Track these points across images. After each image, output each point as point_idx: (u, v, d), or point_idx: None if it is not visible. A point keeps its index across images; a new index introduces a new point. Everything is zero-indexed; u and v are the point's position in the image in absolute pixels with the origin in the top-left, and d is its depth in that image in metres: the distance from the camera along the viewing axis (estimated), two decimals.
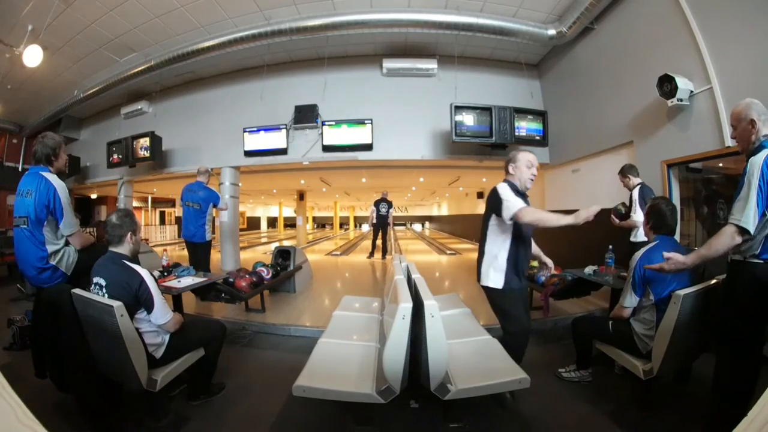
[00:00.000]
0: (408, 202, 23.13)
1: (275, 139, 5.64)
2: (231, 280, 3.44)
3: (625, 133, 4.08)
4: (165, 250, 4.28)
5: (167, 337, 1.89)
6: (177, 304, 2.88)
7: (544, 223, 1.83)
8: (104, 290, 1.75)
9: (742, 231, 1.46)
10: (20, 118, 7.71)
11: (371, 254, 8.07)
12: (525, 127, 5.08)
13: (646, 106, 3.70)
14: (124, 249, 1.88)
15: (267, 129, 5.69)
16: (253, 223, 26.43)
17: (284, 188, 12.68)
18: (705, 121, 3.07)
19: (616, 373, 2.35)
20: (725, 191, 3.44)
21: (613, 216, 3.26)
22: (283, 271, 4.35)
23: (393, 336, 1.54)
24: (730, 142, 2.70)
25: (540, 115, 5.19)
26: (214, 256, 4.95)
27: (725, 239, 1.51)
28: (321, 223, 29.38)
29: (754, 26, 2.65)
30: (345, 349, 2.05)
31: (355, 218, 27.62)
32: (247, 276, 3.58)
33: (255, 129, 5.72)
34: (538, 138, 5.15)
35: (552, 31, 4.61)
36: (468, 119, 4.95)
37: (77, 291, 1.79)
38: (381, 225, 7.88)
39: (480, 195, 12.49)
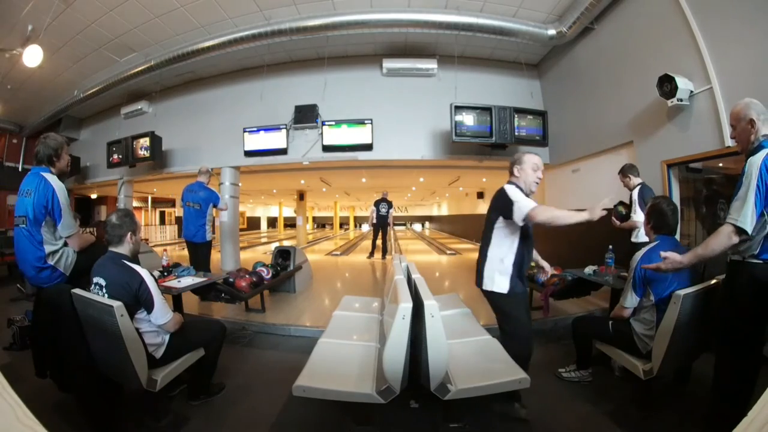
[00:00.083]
0: (408, 202, 23.13)
1: (275, 139, 5.64)
2: (231, 280, 3.44)
3: (625, 133, 4.08)
4: (165, 250, 4.28)
5: (167, 337, 1.89)
6: (177, 304, 2.89)
7: (558, 221, 1.76)
8: (104, 290, 1.75)
9: (740, 231, 1.46)
10: (20, 118, 7.71)
11: (371, 254, 8.07)
12: (525, 127, 5.08)
13: (646, 106, 3.70)
14: (124, 249, 1.88)
15: (267, 129, 5.69)
16: (253, 223, 26.43)
17: (284, 188, 12.68)
18: (705, 121, 3.07)
19: (616, 375, 2.34)
20: (725, 191, 3.44)
21: (613, 218, 3.25)
22: (283, 271, 4.35)
23: (393, 336, 1.54)
24: (729, 142, 2.70)
25: (540, 115, 5.18)
26: (214, 256, 4.95)
27: (722, 239, 1.51)
28: (321, 223, 29.38)
29: (754, 26, 2.65)
30: (345, 349, 2.05)
31: (355, 218, 27.61)
32: (247, 276, 3.58)
33: (255, 129, 5.72)
34: (538, 138, 5.15)
35: (552, 31, 4.61)
36: (468, 119, 4.95)
37: (77, 291, 1.79)
38: (381, 225, 7.88)
39: (480, 195, 12.49)
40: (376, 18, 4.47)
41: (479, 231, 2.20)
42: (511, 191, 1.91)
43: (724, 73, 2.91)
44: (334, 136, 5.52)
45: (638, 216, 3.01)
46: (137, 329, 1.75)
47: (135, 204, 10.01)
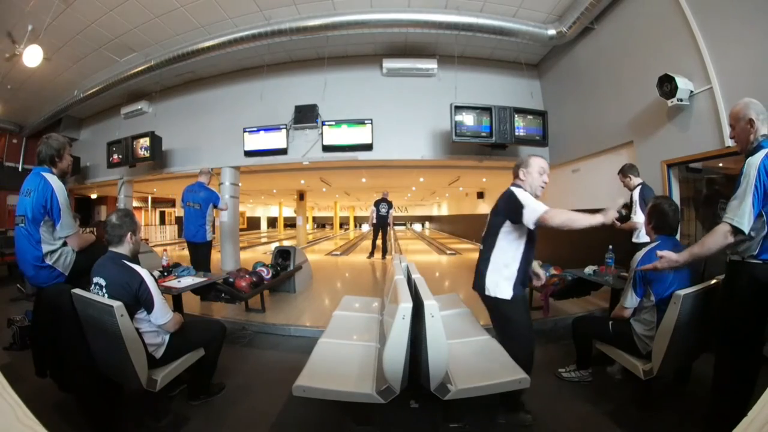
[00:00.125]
0: (408, 202, 23.13)
1: (275, 139, 5.64)
2: (231, 280, 3.44)
3: (625, 133, 4.08)
4: (165, 250, 4.28)
5: (167, 337, 1.89)
6: (177, 304, 2.88)
7: (574, 225, 1.68)
8: (104, 290, 1.75)
9: (736, 231, 1.46)
10: (20, 118, 7.71)
11: (371, 254, 8.07)
12: (525, 127, 5.08)
13: (646, 106, 3.70)
14: (124, 249, 1.88)
15: (267, 129, 5.69)
16: (253, 223, 26.43)
17: (284, 188, 12.68)
18: (705, 121, 3.07)
19: (615, 378, 2.33)
20: (725, 191, 3.44)
21: (614, 220, 3.23)
22: (283, 271, 4.35)
23: (393, 336, 1.54)
24: (729, 142, 2.70)
25: (540, 115, 5.18)
26: (214, 256, 4.95)
27: (718, 238, 1.51)
28: (321, 223, 29.37)
29: (754, 26, 2.65)
30: (345, 349, 2.05)
31: (355, 218, 27.61)
32: (247, 276, 3.58)
33: (255, 129, 5.72)
34: (538, 138, 5.15)
35: (552, 31, 4.61)
36: (468, 119, 4.94)
37: (77, 291, 1.79)
38: (381, 225, 7.88)
39: (480, 195, 12.48)
40: (376, 18, 4.47)
41: (479, 231, 2.18)
42: (521, 194, 1.84)
43: (724, 73, 2.91)
44: (334, 136, 5.52)
45: (639, 217, 2.99)
46: (137, 329, 1.75)
47: (135, 204, 10.02)
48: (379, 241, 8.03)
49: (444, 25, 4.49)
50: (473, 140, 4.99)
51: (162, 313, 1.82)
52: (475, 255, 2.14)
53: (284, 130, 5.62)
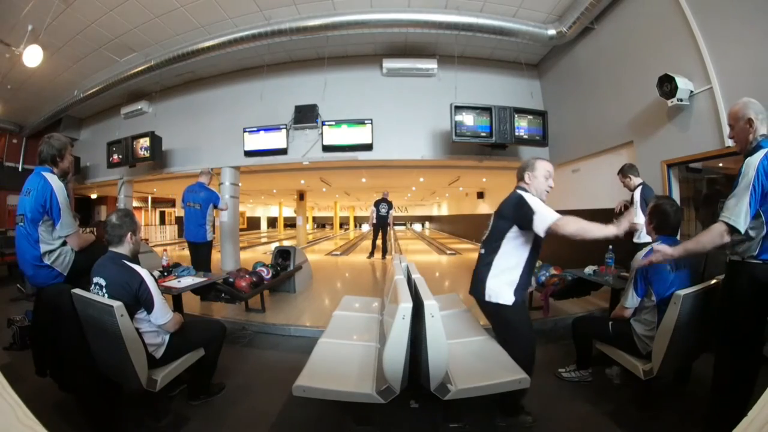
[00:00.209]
0: (408, 202, 23.13)
1: (275, 139, 5.64)
2: (231, 280, 3.44)
3: (625, 133, 4.09)
4: (165, 250, 4.29)
5: (167, 337, 1.89)
6: (177, 304, 2.88)
7: (587, 234, 1.65)
8: (104, 290, 1.75)
9: (732, 230, 1.46)
10: (20, 118, 7.71)
11: (371, 254, 8.07)
12: (525, 127, 5.08)
13: (646, 106, 3.70)
14: (124, 249, 1.88)
15: (267, 129, 5.69)
16: (253, 223, 26.44)
17: (284, 188, 12.68)
18: (705, 121, 3.07)
19: (614, 382, 2.32)
20: (725, 191, 3.44)
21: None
22: (283, 271, 4.35)
23: (393, 336, 1.54)
24: (729, 141, 2.70)
25: (540, 115, 5.18)
26: (214, 256, 4.95)
27: (714, 236, 1.51)
28: (321, 223, 29.38)
29: (754, 26, 2.65)
30: (345, 349, 2.05)
31: (355, 218, 27.62)
32: (247, 276, 3.58)
33: (255, 129, 5.72)
34: (538, 138, 5.15)
35: (552, 31, 4.61)
36: (468, 119, 4.94)
37: (77, 291, 1.79)
38: (381, 225, 7.88)
39: (480, 195, 12.49)
40: (376, 18, 4.47)
41: (479, 231, 2.16)
42: (531, 200, 1.78)
43: (724, 73, 2.91)
44: (334, 136, 5.52)
45: (640, 218, 2.95)
46: (137, 329, 1.75)
47: (135, 204, 10.02)
48: (379, 241, 8.03)
49: (444, 25, 4.49)
50: (473, 140, 4.99)
51: (162, 313, 1.82)
52: (476, 255, 2.10)
53: (284, 130, 5.62)
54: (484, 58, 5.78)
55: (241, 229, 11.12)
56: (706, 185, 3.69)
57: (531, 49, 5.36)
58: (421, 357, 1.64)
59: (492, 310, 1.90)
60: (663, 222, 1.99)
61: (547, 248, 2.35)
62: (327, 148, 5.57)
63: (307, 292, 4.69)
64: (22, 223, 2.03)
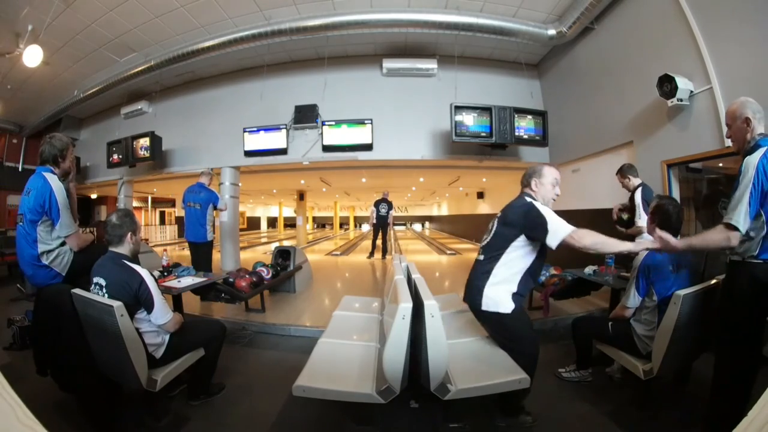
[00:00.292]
0: (408, 202, 23.13)
1: (275, 139, 5.64)
2: (231, 280, 3.44)
3: (625, 133, 4.09)
4: (165, 250, 4.29)
5: (167, 337, 1.89)
6: (177, 304, 2.88)
7: (602, 249, 1.64)
8: (104, 290, 1.75)
9: (734, 230, 1.45)
10: (20, 118, 7.71)
11: (371, 254, 8.07)
12: (525, 127, 5.07)
13: (646, 106, 3.70)
14: (124, 249, 1.88)
15: (267, 129, 5.69)
16: (253, 223, 26.43)
17: (284, 188, 12.68)
18: (705, 121, 3.07)
19: (615, 378, 2.32)
20: (725, 191, 3.44)
21: (618, 227, 3.17)
22: (283, 271, 4.35)
23: (393, 336, 1.54)
24: (728, 141, 2.70)
25: (540, 115, 5.18)
26: (214, 256, 4.95)
27: (719, 237, 1.50)
28: (321, 223, 29.37)
29: (754, 26, 2.65)
30: (345, 349, 2.05)
31: (355, 218, 27.62)
32: (247, 276, 3.58)
33: (255, 129, 5.72)
34: (538, 138, 5.14)
35: (552, 31, 4.61)
36: (468, 119, 4.94)
37: (77, 291, 1.79)
38: (381, 225, 7.88)
39: (480, 195, 12.48)
40: (376, 18, 4.48)
41: (479, 231, 2.14)
42: (542, 209, 1.72)
43: (724, 73, 2.91)
44: (334, 136, 5.52)
45: (644, 221, 2.83)
46: (137, 329, 1.75)
47: (135, 204, 10.01)
48: (379, 241, 8.03)
49: (444, 25, 4.49)
50: (473, 140, 4.99)
51: (162, 313, 1.82)
52: (475, 254, 2.05)
53: (284, 130, 5.62)
54: (484, 58, 5.77)
55: (241, 229, 11.12)
56: (706, 185, 3.69)
57: (531, 49, 5.36)
58: (421, 357, 1.64)
59: (490, 319, 1.86)
60: (665, 222, 1.99)
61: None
62: (327, 148, 5.57)
63: (307, 292, 4.69)
64: (21, 223, 2.04)
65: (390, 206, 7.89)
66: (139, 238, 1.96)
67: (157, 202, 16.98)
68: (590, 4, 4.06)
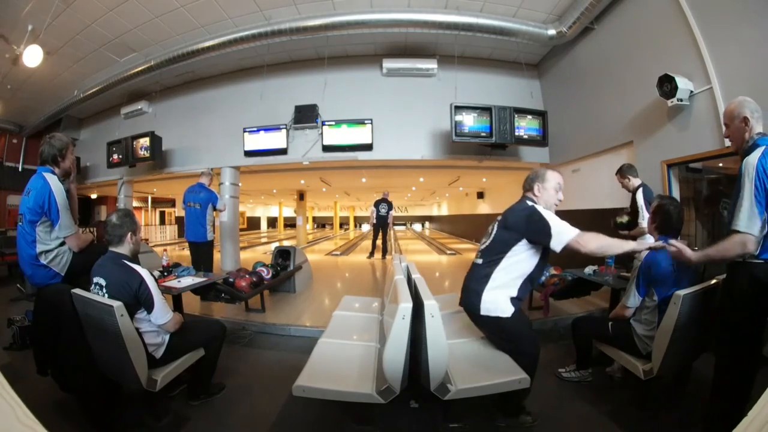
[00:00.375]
0: (408, 202, 23.13)
1: (275, 139, 5.64)
2: (231, 280, 3.44)
3: (625, 133, 4.09)
4: (165, 250, 4.29)
5: (167, 337, 1.89)
6: (177, 304, 2.88)
7: (608, 252, 1.63)
8: (104, 290, 1.75)
9: (750, 236, 1.42)
10: (20, 118, 7.71)
11: (371, 254, 8.07)
12: (525, 127, 5.07)
13: (646, 106, 3.70)
14: (124, 249, 1.88)
15: (267, 129, 5.69)
16: (253, 223, 26.43)
17: (284, 188, 12.68)
18: (705, 121, 3.07)
19: (615, 378, 2.32)
20: (725, 191, 3.44)
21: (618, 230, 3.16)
22: (283, 271, 4.35)
23: (393, 336, 1.54)
24: (726, 141, 2.70)
25: (540, 115, 5.18)
26: (214, 256, 4.95)
27: (735, 246, 1.45)
28: (321, 223, 29.38)
29: (754, 26, 2.65)
30: (345, 349, 2.05)
31: (355, 218, 27.62)
32: (247, 276, 3.58)
33: (255, 129, 5.72)
34: (538, 138, 5.14)
35: (552, 31, 4.61)
36: (468, 119, 4.94)
37: (77, 291, 1.79)
38: (381, 225, 7.88)
39: (480, 195, 12.48)
40: (376, 18, 4.47)
41: (479, 231, 2.14)
42: (545, 213, 1.71)
43: (724, 73, 2.91)
44: (334, 136, 5.52)
45: (647, 222, 2.87)
46: (137, 329, 1.75)
47: (135, 204, 10.02)
48: (379, 241, 8.04)
49: (444, 25, 4.49)
50: (473, 140, 4.99)
51: (162, 313, 1.82)
52: (473, 255, 2.05)
53: (284, 130, 5.61)
54: (484, 58, 5.77)
55: (241, 229, 11.12)
56: (706, 185, 3.69)
57: (531, 49, 5.36)
58: (421, 357, 1.64)
59: (489, 324, 1.85)
60: (666, 222, 1.99)
61: None
62: (327, 148, 5.57)
63: (307, 292, 4.69)
64: (21, 223, 2.04)
65: (390, 206, 7.89)
66: (139, 238, 1.96)
67: (157, 202, 16.98)
68: (590, 4, 4.06)
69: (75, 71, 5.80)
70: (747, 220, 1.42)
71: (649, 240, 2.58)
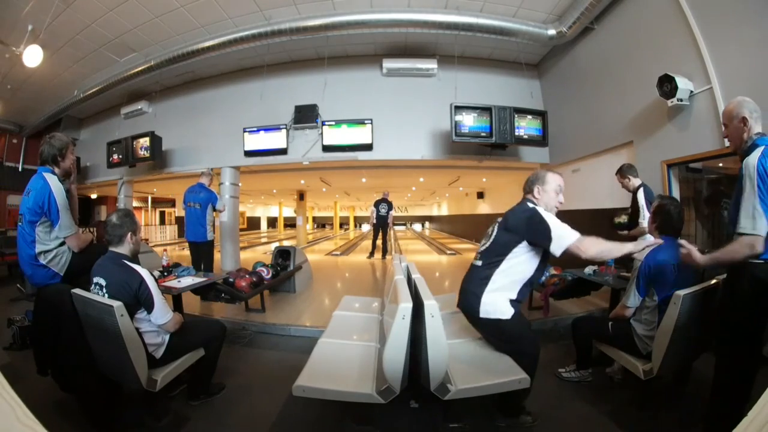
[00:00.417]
0: (408, 202, 23.13)
1: (275, 139, 5.64)
2: (231, 280, 3.44)
3: (625, 133, 4.09)
4: (165, 250, 4.29)
5: (167, 337, 1.89)
6: (177, 304, 2.88)
7: (608, 256, 1.64)
8: (104, 290, 1.75)
9: (757, 237, 1.41)
10: (20, 118, 7.71)
11: (371, 254, 8.07)
12: (525, 127, 5.07)
13: (646, 106, 3.70)
14: (124, 249, 1.88)
15: (267, 129, 5.69)
16: (253, 223, 26.43)
17: (284, 188, 12.68)
18: (705, 121, 3.07)
19: (615, 379, 2.32)
20: (726, 191, 3.44)
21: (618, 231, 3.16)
22: (283, 271, 4.35)
23: (393, 336, 1.54)
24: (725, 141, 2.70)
25: (540, 115, 5.18)
26: (214, 256, 4.95)
27: (741, 246, 1.44)
28: (321, 223, 29.38)
29: (754, 26, 2.65)
30: (345, 349, 2.05)
31: (355, 218, 27.62)
32: (247, 276, 3.58)
33: (255, 129, 5.72)
34: (538, 138, 5.14)
35: (552, 31, 4.61)
36: (468, 119, 4.94)
37: (77, 291, 1.79)
38: (381, 225, 7.88)
39: (480, 195, 12.48)
40: (376, 18, 4.47)
41: (479, 231, 2.14)
42: (546, 215, 1.70)
43: (724, 73, 2.91)
44: (334, 136, 5.52)
45: (647, 222, 2.87)
46: (137, 329, 1.75)
47: (135, 204, 10.02)
48: (379, 241, 8.04)
49: (444, 25, 4.49)
50: (473, 140, 4.99)
51: (162, 313, 1.82)
52: (473, 255, 2.04)
53: (284, 130, 5.61)
54: (484, 58, 5.77)
55: (241, 229, 11.13)
56: (706, 185, 3.69)
57: (531, 49, 5.36)
58: (421, 357, 1.64)
59: (489, 326, 1.83)
60: (666, 222, 1.99)
61: None
62: (327, 148, 5.57)
63: (307, 292, 4.69)
64: (21, 223, 2.05)
65: (390, 206, 7.89)
66: (139, 238, 1.96)
67: (157, 202, 16.98)
68: (590, 4, 4.06)
69: (75, 71, 5.80)
70: (752, 222, 1.40)
71: (649, 239, 2.59)
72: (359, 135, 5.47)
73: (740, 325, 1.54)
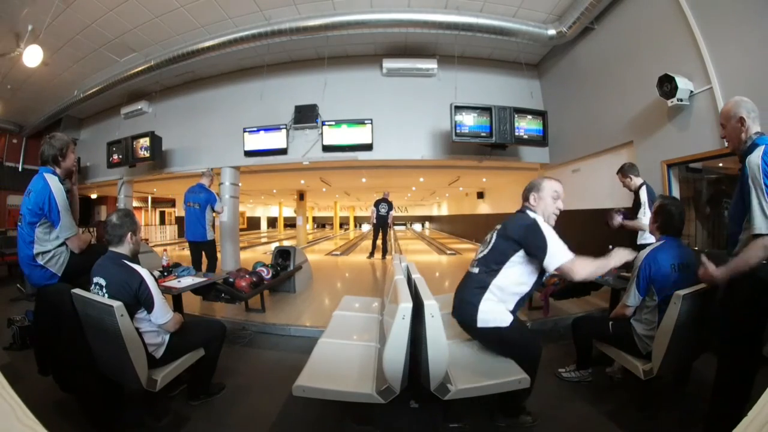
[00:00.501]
0: (408, 202, 23.13)
1: (275, 139, 5.64)
2: (231, 280, 3.44)
3: (625, 133, 4.09)
4: (165, 250, 4.29)
5: (167, 337, 1.89)
6: (177, 304, 2.88)
7: (595, 276, 1.68)
8: (104, 290, 1.75)
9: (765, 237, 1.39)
10: (20, 118, 7.71)
11: (371, 254, 8.07)
12: (525, 127, 5.07)
13: (646, 106, 3.70)
14: (124, 249, 1.88)
15: (267, 129, 5.69)
16: (253, 223, 26.44)
17: (284, 188, 12.68)
18: (705, 121, 3.07)
19: (615, 378, 2.32)
20: (726, 191, 3.44)
21: (611, 222, 3.17)
22: (283, 271, 4.35)
23: (393, 336, 1.54)
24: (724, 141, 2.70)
25: (540, 115, 5.18)
26: None
27: (756, 250, 1.41)
28: (321, 223, 29.39)
29: (754, 26, 2.66)
30: (345, 349, 2.05)
31: (355, 218, 27.63)
32: (247, 276, 3.58)
33: (255, 129, 5.72)
34: (538, 138, 5.14)
35: (552, 31, 4.61)
36: (468, 119, 4.94)
37: (77, 291, 1.79)
38: (381, 225, 7.88)
39: (480, 195, 12.48)
40: (376, 18, 4.48)
41: (479, 231, 2.15)
42: (546, 229, 1.68)
43: (724, 74, 2.91)
44: (334, 136, 5.52)
45: (647, 219, 2.78)
46: (137, 329, 1.75)
47: (135, 204, 10.02)
48: (379, 241, 8.03)
49: (444, 25, 4.49)
50: (473, 140, 4.99)
51: (162, 313, 1.82)
52: (473, 255, 2.02)
53: (284, 130, 5.61)
54: (484, 58, 5.77)
55: (241, 229, 11.12)
56: (706, 185, 3.69)
57: (531, 49, 5.36)
58: (421, 357, 1.64)
59: (488, 335, 1.80)
60: (667, 222, 1.99)
61: None
62: (327, 148, 5.57)
63: (307, 292, 4.69)
64: (21, 224, 2.05)
65: (390, 206, 7.89)
66: (139, 238, 1.96)
67: (157, 202, 16.99)
68: (590, 4, 4.06)
69: (75, 71, 5.80)
70: (763, 221, 1.38)
71: (649, 238, 2.60)
72: (359, 135, 5.47)
73: (741, 324, 1.54)
